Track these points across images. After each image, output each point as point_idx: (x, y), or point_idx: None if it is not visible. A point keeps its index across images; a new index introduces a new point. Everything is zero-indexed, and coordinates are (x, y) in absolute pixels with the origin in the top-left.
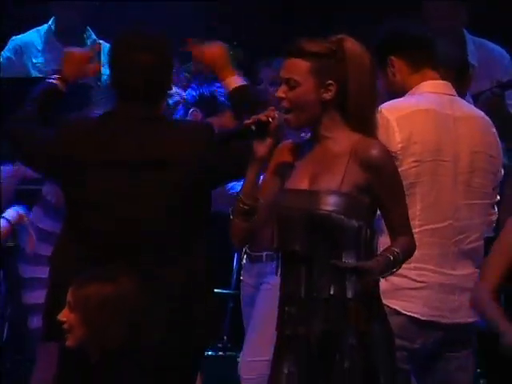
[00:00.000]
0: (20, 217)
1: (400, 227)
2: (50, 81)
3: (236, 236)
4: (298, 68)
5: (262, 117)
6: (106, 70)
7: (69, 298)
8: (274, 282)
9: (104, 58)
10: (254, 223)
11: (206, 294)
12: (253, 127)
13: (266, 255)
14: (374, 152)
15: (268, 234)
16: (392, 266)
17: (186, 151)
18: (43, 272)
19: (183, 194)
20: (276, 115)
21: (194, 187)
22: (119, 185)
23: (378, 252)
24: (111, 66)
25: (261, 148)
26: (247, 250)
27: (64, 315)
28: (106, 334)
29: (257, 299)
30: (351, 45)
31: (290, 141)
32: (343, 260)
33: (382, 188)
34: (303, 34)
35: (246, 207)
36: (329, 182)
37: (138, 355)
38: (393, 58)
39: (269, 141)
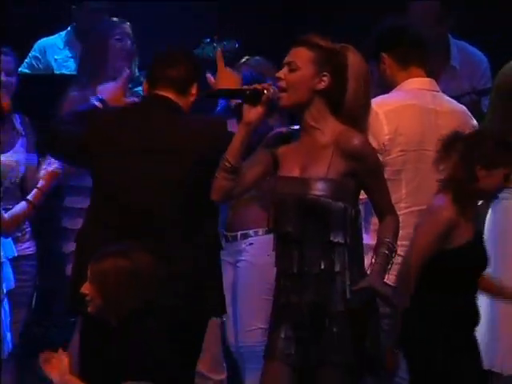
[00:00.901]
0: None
1: (385, 206)
2: (94, 103)
3: (216, 191)
4: (302, 55)
5: (258, 86)
6: None
7: (89, 272)
8: (249, 259)
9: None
10: (234, 183)
11: (215, 269)
12: (247, 92)
13: (241, 234)
14: (355, 143)
15: (243, 215)
16: (391, 256)
17: (200, 142)
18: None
19: (195, 180)
20: (271, 89)
21: (205, 174)
22: (136, 170)
23: (363, 229)
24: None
25: (250, 113)
26: (224, 232)
27: (85, 288)
28: (121, 304)
29: (237, 275)
30: (353, 54)
31: (283, 128)
32: (331, 238)
33: (366, 174)
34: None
35: (229, 165)
36: (317, 170)
37: (153, 322)
38: (384, 54)
39: (259, 109)
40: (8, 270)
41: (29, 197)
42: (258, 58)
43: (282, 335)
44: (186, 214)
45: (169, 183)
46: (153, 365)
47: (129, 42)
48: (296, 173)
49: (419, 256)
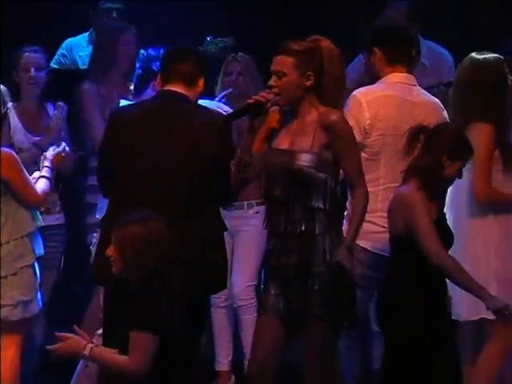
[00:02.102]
0: (57, 159)
1: (354, 178)
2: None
3: (234, 183)
4: (285, 63)
5: (260, 98)
6: None
7: (112, 237)
8: (256, 224)
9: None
10: (249, 173)
11: (220, 245)
12: (252, 105)
13: (247, 204)
14: (333, 118)
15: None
16: (360, 224)
17: (207, 136)
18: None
19: (203, 169)
20: (271, 96)
21: (213, 161)
22: (152, 161)
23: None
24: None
25: (256, 122)
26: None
27: (110, 250)
28: (137, 265)
29: (241, 238)
30: (326, 43)
31: (277, 107)
32: (312, 204)
33: (339, 144)
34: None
35: (242, 161)
36: (303, 144)
37: (162, 283)
38: (376, 49)
39: (262, 118)
40: (38, 238)
41: (46, 174)
42: (242, 54)
43: (273, 292)
44: (195, 198)
45: (180, 172)
46: (159, 319)
47: (132, 47)
48: (285, 145)
49: (432, 238)
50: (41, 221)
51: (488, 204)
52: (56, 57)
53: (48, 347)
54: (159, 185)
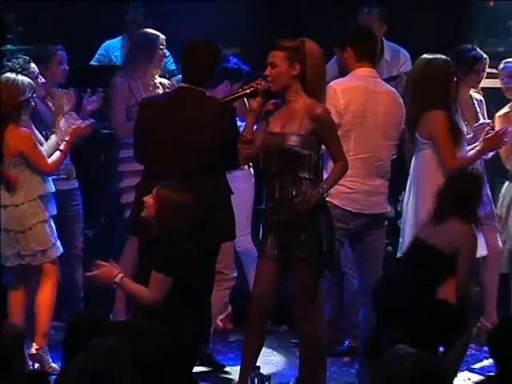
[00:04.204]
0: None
1: (337, 155)
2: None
3: (242, 157)
4: (277, 56)
5: (254, 84)
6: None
7: (154, 191)
8: (239, 185)
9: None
10: (252, 149)
11: (227, 200)
12: (248, 91)
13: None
14: (319, 110)
15: None
16: (334, 184)
17: (217, 121)
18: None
19: (213, 141)
20: (262, 83)
21: (219, 137)
22: (175, 140)
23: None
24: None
25: (254, 103)
26: None
27: (148, 199)
28: (167, 221)
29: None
30: (310, 44)
31: (273, 101)
32: (300, 174)
33: (324, 131)
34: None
35: (246, 139)
36: (291, 128)
37: (184, 235)
38: (348, 47)
39: (258, 99)
40: (51, 201)
41: (62, 148)
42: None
43: (269, 242)
44: (207, 164)
45: (195, 144)
46: (173, 264)
47: (163, 51)
48: (278, 129)
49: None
50: (53, 187)
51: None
52: (96, 56)
53: (87, 274)
54: (180, 154)
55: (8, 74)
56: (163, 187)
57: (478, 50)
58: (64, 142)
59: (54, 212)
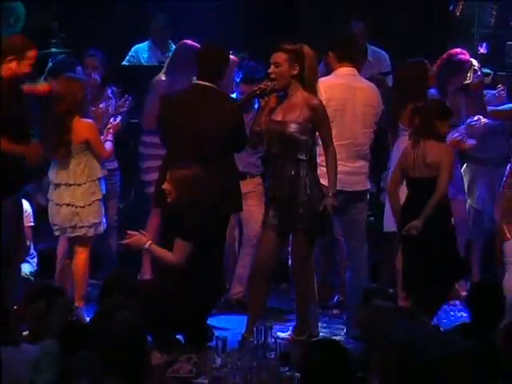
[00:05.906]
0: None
1: (327, 141)
2: None
3: (251, 145)
4: (281, 57)
5: (262, 86)
6: None
7: (168, 176)
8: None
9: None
10: (260, 139)
11: (235, 184)
12: (257, 92)
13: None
14: (315, 102)
15: None
16: (336, 176)
17: (227, 115)
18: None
19: (227, 132)
20: (269, 84)
21: (230, 129)
22: (193, 128)
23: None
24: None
25: (263, 102)
26: None
27: (166, 185)
28: (185, 197)
29: None
30: (307, 49)
31: (275, 94)
32: (298, 156)
33: (318, 120)
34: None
35: (256, 129)
36: (291, 117)
37: (202, 208)
38: (331, 52)
39: (266, 98)
40: (103, 182)
41: (110, 139)
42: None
43: (271, 214)
44: (219, 151)
45: (209, 132)
46: (193, 232)
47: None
48: (280, 118)
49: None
50: (105, 171)
51: None
52: (127, 57)
53: (120, 241)
54: (197, 141)
55: (69, 74)
56: (174, 170)
57: (466, 54)
58: (110, 135)
59: (104, 192)
